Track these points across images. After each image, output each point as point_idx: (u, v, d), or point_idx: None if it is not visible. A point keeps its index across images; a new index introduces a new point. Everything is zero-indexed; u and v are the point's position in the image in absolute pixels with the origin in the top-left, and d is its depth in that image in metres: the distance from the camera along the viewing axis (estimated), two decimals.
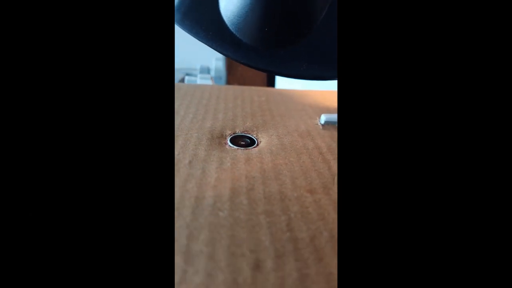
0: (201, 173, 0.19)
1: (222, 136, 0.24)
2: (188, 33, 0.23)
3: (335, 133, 0.26)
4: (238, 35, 0.23)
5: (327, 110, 0.31)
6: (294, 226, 0.16)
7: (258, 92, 0.36)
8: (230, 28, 0.23)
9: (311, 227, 0.16)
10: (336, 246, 0.15)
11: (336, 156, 0.22)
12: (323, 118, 0.27)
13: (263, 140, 0.24)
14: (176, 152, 0.21)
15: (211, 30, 0.23)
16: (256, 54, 0.23)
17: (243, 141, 0.24)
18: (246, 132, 0.25)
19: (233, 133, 0.24)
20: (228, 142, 0.23)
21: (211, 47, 0.23)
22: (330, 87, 0.48)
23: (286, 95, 0.36)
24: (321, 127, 0.27)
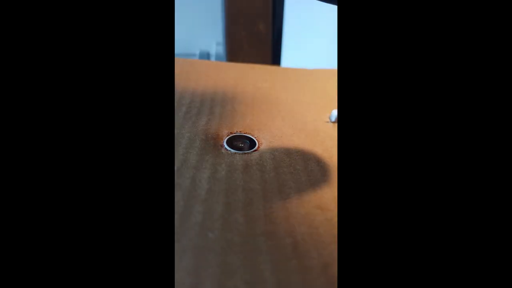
0: (190, 183, 0.17)
1: (218, 137, 0.22)
2: None
3: None
4: None
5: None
6: (302, 252, 0.14)
7: (262, 74, 0.34)
8: None
9: (323, 253, 0.14)
10: None
11: None
12: (334, 114, 0.26)
13: (265, 142, 0.22)
14: None
15: None
16: None
17: (242, 142, 0.22)
18: (245, 132, 0.23)
19: (231, 133, 0.23)
20: (225, 144, 0.21)
21: None
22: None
23: (293, 77, 0.34)
24: (331, 125, 0.25)
